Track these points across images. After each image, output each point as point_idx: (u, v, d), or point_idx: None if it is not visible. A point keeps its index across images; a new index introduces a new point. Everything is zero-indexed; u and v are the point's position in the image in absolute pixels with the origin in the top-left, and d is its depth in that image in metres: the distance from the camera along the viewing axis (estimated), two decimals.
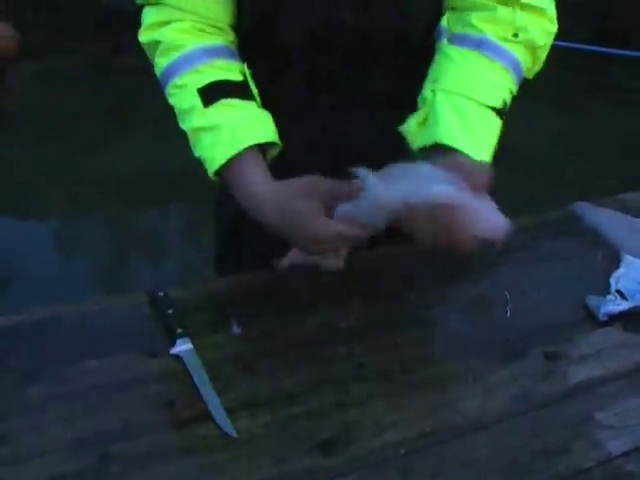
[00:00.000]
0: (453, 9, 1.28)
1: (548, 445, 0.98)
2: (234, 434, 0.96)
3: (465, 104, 1.17)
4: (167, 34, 1.21)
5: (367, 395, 1.03)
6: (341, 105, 1.32)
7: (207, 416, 0.98)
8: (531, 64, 1.26)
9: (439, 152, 1.14)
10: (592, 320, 1.23)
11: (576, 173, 3.22)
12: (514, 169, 3.31)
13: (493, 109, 1.18)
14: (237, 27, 1.28)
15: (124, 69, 4.98)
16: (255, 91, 1.22)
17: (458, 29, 1.24)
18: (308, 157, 1.27)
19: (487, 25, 1.21)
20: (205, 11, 1.22)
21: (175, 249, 3.63)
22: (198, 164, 1.20)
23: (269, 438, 0.96)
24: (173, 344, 1.09)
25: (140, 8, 1.27)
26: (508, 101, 1.21)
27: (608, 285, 1.29)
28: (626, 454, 0.98)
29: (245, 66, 1.23)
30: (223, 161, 1.15)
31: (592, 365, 1.13)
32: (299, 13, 1.23)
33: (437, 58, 1.24)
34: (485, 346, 1.15)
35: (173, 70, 1.20)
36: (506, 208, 1.07)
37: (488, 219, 1.06)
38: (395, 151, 1.19)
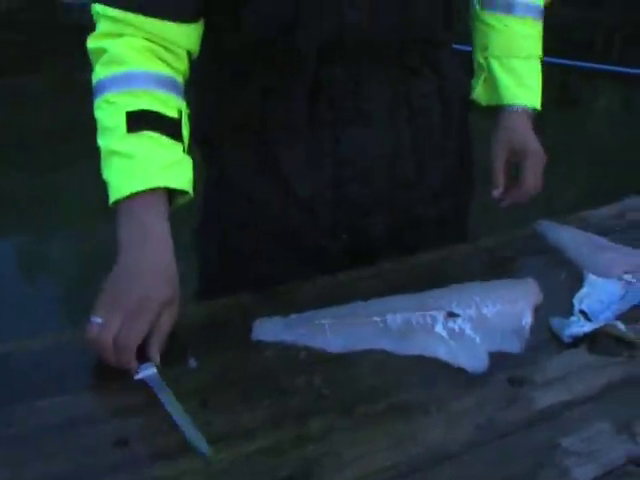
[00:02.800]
0: None
1: (514, 474, 0.96)
2: (206, 451, 0.94)
3: (514, 64, 1.44)
4: (115, 46, 1.16)
5: (327, 429, 1.00)
6: (343, 118, 1.33)
7: (162, 454, 0.94)
8: None
9: (505, 109, 1.46)
10: (557, 342, 1.21)
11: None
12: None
13: (536, 57, 1.47)
14: (237, 37, 1.26)
15: (87, 86, 4.96)
16: (186, 133, 1.18)
17: None
18: (307, 170, 1.33)
19: None
20: (164, 32, 1.18)
21: None
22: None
23: (226, 476, 0.92)
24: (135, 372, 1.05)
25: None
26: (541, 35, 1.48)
27: (572, 306, 1.27)
28: None
29: (184, 105, 1.20)
30: (127, 193, 1.09)
31: (558, 389, 1.11)
32: (309, 24, 1.22)
33: (477, 25, 1.48)
34: (448, 373, 1.12)
35: (109, 84, 1.15)
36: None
37: None
38: (396, 164, 1.39)
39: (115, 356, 1.03)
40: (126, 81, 1.14)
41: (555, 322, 1.24)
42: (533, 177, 1.46)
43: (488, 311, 1.22)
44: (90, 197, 3.85)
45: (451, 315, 1.20)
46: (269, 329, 1.17)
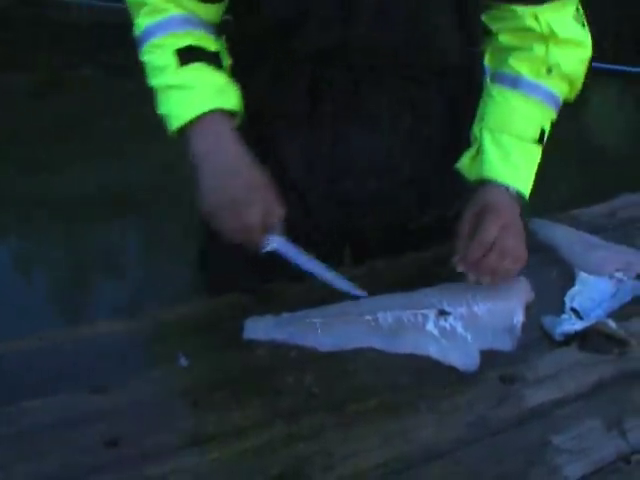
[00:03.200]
0: (493, 49, 1.38)
1: (505, 472, 0.96)
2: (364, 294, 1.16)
3: (504, 140, 1.32)
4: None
5: (318, 427, 1.00)
6: (342, 117, 1.35)
7: (152, 454, 0.94)
8: (569, 91, 1.38)
9: (486, 184, 1.30)
10: (548, 340, 1.21)
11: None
12: None
13: (531, 141, 1.33)
14: (245, 31, 1.35)
15: (72, 83, 4.95)
16: (227, 63, 1.30)
17: (497, 67, 1.37)
18: (306, 167, 1.36)
19: (522, 64, 1.33)
20: (192, 8, 1.27)
21: (132, 267, 3.58)
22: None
23: (218, 475, 0.93)
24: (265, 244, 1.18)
25: None
26: (547, 128, 1.35)
27: (563, 304, 1.27)
28: (584, 478, 0.96)
29: (223, 39, 1.31)
30: (189, 118, 1.20)
31: (549, 387, 1.11)
32: (317, 28, 1.27)
33: (483, 96, 1.38)
34: (439, 371, 1.13)
35: (154, 30, 1.25)
36: None
37: None
38: (392, 166, 1.38)
39: (246, 236, 1.17)
40: (168, 26, 1.25)
41: (546, 320, 1.24)
42: (492, 231, 1.23)
43: (479, 309, 1.22)
44: (85, 195, 3.86)
45: (442, 313, 1.20)
46: (260, 328, 1.17)
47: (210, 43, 1.28)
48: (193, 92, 1.22)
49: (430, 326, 1.18)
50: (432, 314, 1.19)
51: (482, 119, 1.35)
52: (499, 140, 1.32)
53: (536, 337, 1.22)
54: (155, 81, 1.25)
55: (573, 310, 1.26)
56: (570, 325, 1.22)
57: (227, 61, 1.30)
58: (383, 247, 1.44)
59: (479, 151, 1.34)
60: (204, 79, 1.24)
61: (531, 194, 1.35)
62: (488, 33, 1.37)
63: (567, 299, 1.29)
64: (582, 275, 1.35)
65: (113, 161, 4.09)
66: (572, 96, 1.39)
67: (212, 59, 1.26)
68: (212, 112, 1.21)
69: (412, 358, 1.15)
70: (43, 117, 4.57)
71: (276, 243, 1.20)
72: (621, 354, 1.18)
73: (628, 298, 1.31)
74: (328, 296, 1.24)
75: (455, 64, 1.37)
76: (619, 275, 1.35)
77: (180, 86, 1.22)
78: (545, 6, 1.29)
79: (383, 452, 0.97)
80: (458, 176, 1.38)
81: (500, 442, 1.00)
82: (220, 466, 0.93)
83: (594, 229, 1.53)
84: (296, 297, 1.26)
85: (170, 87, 1.23)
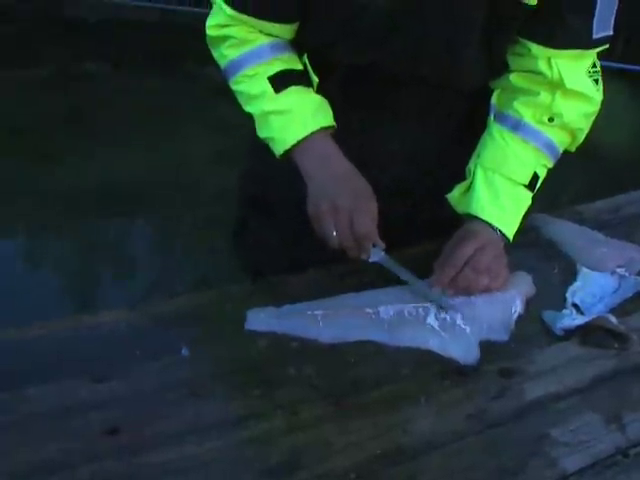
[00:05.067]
0: (502, 88, 1.38)
1: (503, 464, 0.96)
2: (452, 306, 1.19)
3: (496, 180, 1.32)
4: (237, 32, 1.31)
5: (317, 418, 1.00)
6: (371, 111, 1.39)
7: (152, 442, 0.95)
8: (569, 142, 1.39)
9: (472, 220, 1.31)
10: (548, 335, 1.22)
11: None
12: None
13: (523, 185, 1.33)
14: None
15: (82, 78, 4.96)
16: (315, 80, 1.33)
17: (503, 108, 1.37)
18: None
19: (526, 109, 1.33)
20: (270, 30, 1.31)
21: (141, 262, 3.59)
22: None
23: (217, 464, 0.93)
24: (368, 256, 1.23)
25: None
26: (541, 174, 1.36)
27: (565, 299, 1.28)
28: (581, 471, 0.96)
29: (303, 58, 1.34)
30: (293, 142, 1.27)
31: (548, 381, 1.11)
32: (351, 51, 1.31)
33: (484, 133, 1.38)
34: (439, 364, 1.13)
35: (243, 62, 1.31)
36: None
37: None
38: (418, 158, 1.41)
39: (357, 245, 1.23)
40: (256, 56, 1.31)
41: (547, 314, 1.24)
42: (465, 250, 1.25)
43: (477, 298, 1.22)
44: (91, 188, 3.87)
45: (441, 307, 1.20)
46: (262, 319, 1.18)
47: (297, 63, 1.33)
48: (293, 116, 1.28)
49: (431, 319, 1.19)
50: (433, 307, 1.20)
51: (478, 156, 1.36)
52: (491, 179, 1.32)
53: (536, 331, 1.22)
54: (252, 108, 1.31)
55: (574, 305, 1.27)
56: (571, 320, 1.22)
57: (315, 78, 1.33)
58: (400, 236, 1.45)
59: (470, 186, 1.35)
60: (301, 102, 1.29)
61: (539, 193, 1.36)
62: (502, 69, 1.37)
63: (568, 294, 1.29)
64: (584, 270, 1.35)
65: (120, 155, 4.09)
66: (573, 148, 1.40)
67: (303, 79, 1.31)
68: (315, 133, 1.27)
69: (412, 351, 1.15)
70: (50, 111, 4.57)
71: (380, 256, 1.25)
72: (621, 349, 1.19)
73: (629, 294, 1.32)
74: (330, 288, 1.24)
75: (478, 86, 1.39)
76: (621, 271, 1.35)
77: (280, 112, 1.28)
78: (561, 52, 1.28)
79: (382, 443, 0.97)
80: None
81: (499, 435, 1.01)
82: (220, 455, 0.94)
83: (598, 225, 1.53)
84: (298, 289, 1.26)
85: (269, 113, 1.29)
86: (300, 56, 1.34)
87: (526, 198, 1.35)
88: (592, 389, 1.10)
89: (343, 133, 1.33)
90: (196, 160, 4.03)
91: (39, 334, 1.12)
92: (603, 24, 1.28)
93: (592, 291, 1.29)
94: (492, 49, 1.31)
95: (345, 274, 1.31)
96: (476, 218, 1.31)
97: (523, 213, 1.35)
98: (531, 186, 1.35)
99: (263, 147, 1.33)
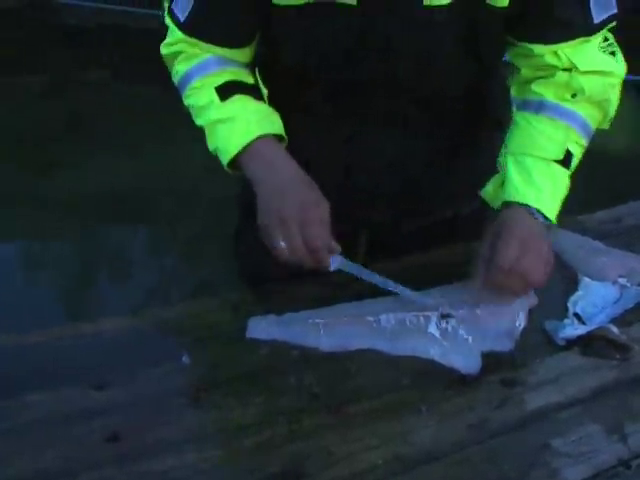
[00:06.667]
0: (518, 82, 1.37)
1: (504, 474, 0.96)
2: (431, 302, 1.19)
3: (527, 161, 1.27)
4: (188, 48, 1.32)
5: (318, 426, 1.00)
6: (361, 119, 1.37)
7: (152, 450, 0.94)
8: (601, 116, 1.34)
9: (510, 208, 1.26)
10: (550, 345, 1.21)
11: None
12: None
13: (556, 161, 1.27)
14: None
15: (82, 85, 4.96)
16: (265, 92, 1.33)
17: (523, 95, 1.35)
18: (322, 154, 1.38)
19: (546, 89, 1.30)
20: (224, 53, 1.31)
21: (140, 269, 3.59)
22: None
23: (217, 472, 0.93)
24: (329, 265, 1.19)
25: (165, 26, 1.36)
26: (575, 152, 1.30)
27: (566, 308, 1.27)
28: None
29: (256, 71, 1.35)
30: (238, 149, 1.24)
31: (549, 391, 1.11)
32: (326, 70, 1.31)
33: (511, 124, 1.35)
34: (441, 373, 1.12)
35: (192, 74, 1.31)
36: None
37: None
38: (409, 168, 1.40)
39: (310, 259, 1.17)
40: (205, 67, 1.31)
41: (549, 324, 1.24)
42: (508, 254, 1.19)
43: (481, 311, 1.22)
44: (86, 195, 3.86)
45: (445, 316, 1.20)
46: (263, 327, 1.17)
47: (247, 77, 1.32)
48: (238, 123, 1.26)
49: (432, 328, 1.18)
50: (434, 316, 1.20)
51: (506, 146, 1.33)
52: (521, 162, 1.28)
53: (538, 341, 1.22)
54: (201, 120, 1.30)
55: (576, 315, 1.26)
56: (572, 330, 1.21)
57: (265, 91, 1.34)
58: (395, 243, 1.45)
59: (503, 178, 1.31)
60: (246, 109, 1.27)
61: None
62: (513, 69, 1.36)
63: (570, 304, 1.28)
64: (585, 280, 1.34)
65: (119, 162, 4.10)
66: (606, 124, 1.36)
67: (250, 90, 1.31)
68: (260, 138, 1.24)
69: (414, 360, 1.15)
70: (52, 118, 4.58)
71: (340, 262, 1.21)
72: (623, 360, 1.18)
73: (631, 304, 1.31)
74: (331, 297, 1.24)
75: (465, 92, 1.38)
76: (622, 281, 1.35)
77: (225, 119, 1.26)
78: (564, 44, 1.27)
79: (383, 453, 0.97)
80: (465, 179, 1.38)
81: (500, 445, 1.00)
82: (220, 463, 0.94)
83: (599, 235, 1.53)
84: (298, 297, 1.26)
85: (215, 122, 1.27)
86: (251, 71, 1.35)
87: (562, 175, 1.29)
88: (594, 399, 1.10)
89: (329, 143, 1.34)
90: (195, 167, 4.03)
91: (38, 341, 1.12)
92: (603, 5, 1.26)
93: (593, 301, 1.29)
94: (478, 56, 1.30)
95: (346, 282, 1.30)
96: (513, 204, 1.26)
97: (563, 191, 1.29)
98: (566, 163, 1.29)
99: None
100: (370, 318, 1.19)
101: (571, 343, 1.20)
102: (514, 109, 1.37)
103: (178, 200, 3.82)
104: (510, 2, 1.20)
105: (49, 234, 3.72)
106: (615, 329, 1.22)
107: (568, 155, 1.29)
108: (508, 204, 1.27)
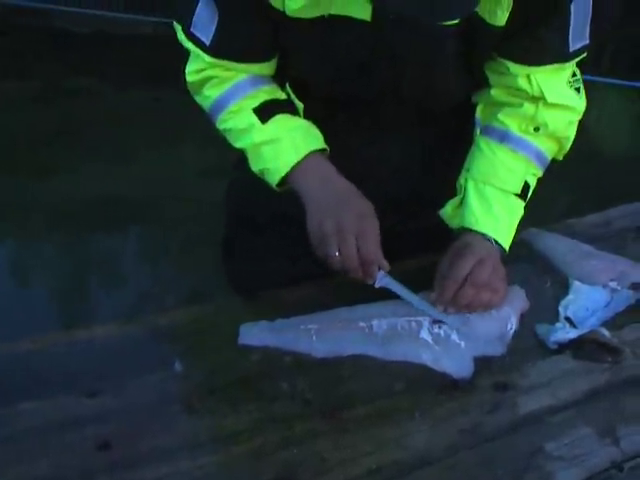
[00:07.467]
0: (485, 103, 1.40)
1: (498, 478, 0.96)
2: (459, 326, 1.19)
3: (487, 190, 1.33)
4: (217, 71, 1.32)
5: (311, 433, 1.00)
6: (358, 131, 1.40)
7: (145, 458, 0.94)
8: (557, 150, 1.39)
9: (467, 234, 1.31)
10: (542, 348, 1.21)
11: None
12: None
13: (514, 193, 1.33)
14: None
15: (72, 92, 4.95)
16: (299, 105, 1.34)
17: (488, 121, 1.38)
18: None
19: (511, 120, 1.34)
20: (249, 70, 1.32)
21: (133, 275, 3.58)
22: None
23: (211, 479, 0.93)
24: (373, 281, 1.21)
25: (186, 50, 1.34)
26: (532, 183, 1.37)
27: (557, 312, 1.28)
28: None
29: (287, 85, 1.36)
30: (289, 168, 1.26)
31: (542, 395, 1.11)
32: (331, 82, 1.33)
33: (472, 147, 1.39)
34: (433, 378, 1.13)
35: (226, 99, 1.32)
36: None
37: None
38: (406, 174, 1.44)
39: (361, 271, 1.20)
40: (240, 90, 1.31)
41: (540, 328, 1.24)
42: (464, 266, 1.24)
43: (472, 315, 1.22)
44: (77, 202, 3.86)
45: (437, 321, 1.20)
46: (255, 334, 1.17)
47: (279, 93, 1.33)
48: (284, 142, 1.27)
49: (424, 333, 1.19)
50: (426, 321, 1.20)
51: (468, 170, 1.36)
52: (482, 191, 1.33)
53: (530, 345, 1.22)
54: (241, 143, 1.31)
55: (567, 319, 1.27)
56: (564, 334, 1.22)
57: (299, 103, 1.35)
58: (398, 247, 1.46)
59: (462, 200, 1.35)
60: (289, 128, 1.28)
61: (530, 207, 1.36)
62: (484, 83, 1.38)
63: (561, 308, 1.29)
64: (576, 284, 1.35)
65: (111, 169, 4.08)
66: (560, 156, 1.40)
67: (288, 107, 1.32)
68: (309, 155, 1.26)
69: (406, 365, 1.15)
70: (40, 125, 4.56)
71: (386, 280, 1.23)
72: (615, 363, 1.19)
73: (622, 307, 1.32)
74: (323, 303, 1.24)
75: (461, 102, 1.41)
76: (613, 284, 1.35)
77: (269, 141, 1.28)
78: (539, 68, 1.29)
79: (376, 458, 0.97)
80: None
81: (493, 449, 1.01)
82: (213, 470, 0.94)
83: (589, 238, 1.53)
84: (291, 303, 1.26)
85: (260, 144, 1.28)
86: (281, 85, 1.35)
87: (519, 207, 1.35)
88: (586, 403, 1.10)
89: (341, 153, 1.33)
90: (188, 174, 4.04)
91: (31, 348, 1.12)
92: (579, 35, 1.28)
93: (584, 304, 1.29)
94: (471, 70, 1.32)
95: (338, 288, 1.30)
96: (470, 231, 1.31)
97: (517, 222, 1.35)
98: (523, 195, 1.35)
99: (245, 162, 1.33)
100: (362, 324, 1.19)
101: (563, 347, 1.21)
102: (477, 130, 1.41)
103: (171, 205, 3.80)
104: (507, 23, 1.22)
105: (41, 240, 3.71)
106: (606, 332, 1.22)
107: (525, 187, 1.35)
108: (466, 229, 1.32)
